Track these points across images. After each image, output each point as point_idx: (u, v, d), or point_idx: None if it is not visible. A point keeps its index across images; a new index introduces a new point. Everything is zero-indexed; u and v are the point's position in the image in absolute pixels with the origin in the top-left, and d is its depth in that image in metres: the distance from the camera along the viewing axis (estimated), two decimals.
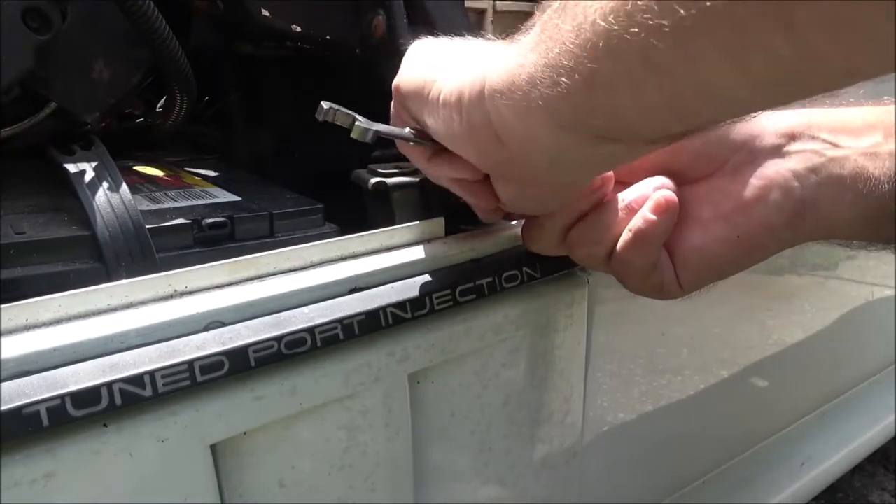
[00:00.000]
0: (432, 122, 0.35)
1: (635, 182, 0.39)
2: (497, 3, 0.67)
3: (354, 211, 0.48)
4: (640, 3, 0.21)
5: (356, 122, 0.34)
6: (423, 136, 0.37)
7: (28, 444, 0.28)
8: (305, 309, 0.36)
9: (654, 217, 0.36)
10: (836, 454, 1.05)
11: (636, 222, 0.37)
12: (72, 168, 0.43)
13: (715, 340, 0.72)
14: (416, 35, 0.49)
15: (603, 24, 0.23)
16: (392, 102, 0.39)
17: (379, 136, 0.35)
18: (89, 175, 0.43)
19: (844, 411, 1.06)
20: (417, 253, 0.42)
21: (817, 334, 0.88)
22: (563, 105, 0.27)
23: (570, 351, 0.50)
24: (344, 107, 0.34)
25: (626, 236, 0.37)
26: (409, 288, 0.40)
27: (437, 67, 0.35)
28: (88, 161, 0.44)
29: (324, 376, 0.36)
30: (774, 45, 0.20)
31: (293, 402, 0.36)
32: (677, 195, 0.37)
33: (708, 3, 0.20)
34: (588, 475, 0.57)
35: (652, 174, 0.39)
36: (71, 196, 0.42)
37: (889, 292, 1.00)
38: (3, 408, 0.27)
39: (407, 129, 0.37)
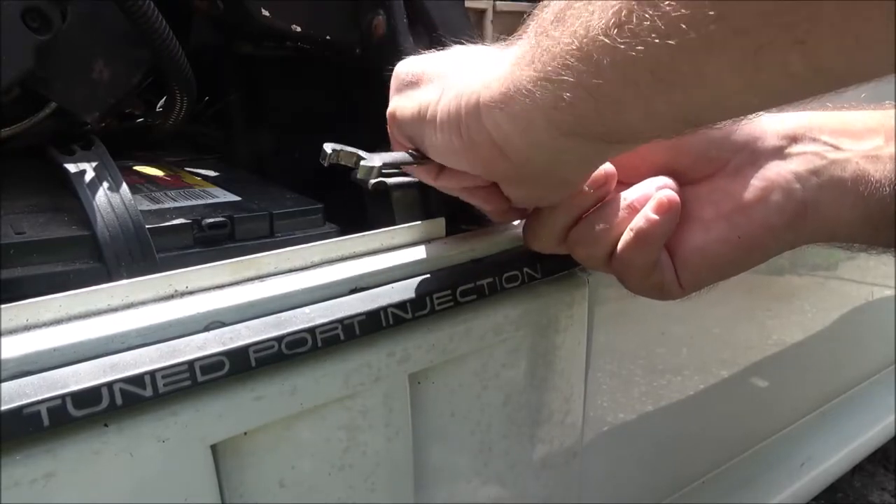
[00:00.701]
0: (432, 145, 0.35)
1: (637, 182, 0.39)
2: (497, 2, 0.67)
3: (354, 211, 0.49)
4: (645, 22, 0.21)
5: (361, 162, 0.34)
6: (421, 154, 0.37)
7: (28, 444, 0.28)
8: (306, 309, 0.36)
9: (655, 217, 0.36)
10: (836, 454, 1.05)
11: (638, 222, 0.37)
12: (72, 168, 0.43)
13: (715, 340, 0.72)
14: (415, 35, 0.49)
15: (607, 40, 0.22)
16: (388, 129, 0.39)
17: (384, 168, 0.35)
18: (89, 175, 0.43)
19: (844, 411, 1.06)
20: (418, 253, 0.42)
21: (817, 334, 0.88)
22: (567, 117, 0.27)
23: (570, 351, 0.50)
24: (345, 145, 0.34)
25: (627, 235, 0.37)
26: (409, 288, 0.40)
27: (428, 89, 0.35)
28: (88, 161, 0.44)
29: (324, 376, 0.36)
30: (788, 62, 0.20)
31: (293, 402, 0.36)
32: (679, 195, 0.37)
33: (713, 27, 0.19)
34: (588, 475, 0.57)
35: (654, 174, 0.39)
36: (71, 196, 0.42)
37: (889, 292, 1.00)
38: (4, 408, 0.27)
39: (409, 152, 0.37)
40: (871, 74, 0.20)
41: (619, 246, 0.38)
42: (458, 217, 0.47)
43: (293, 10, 0.52)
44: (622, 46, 0.22)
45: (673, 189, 0.37)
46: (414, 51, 0.48)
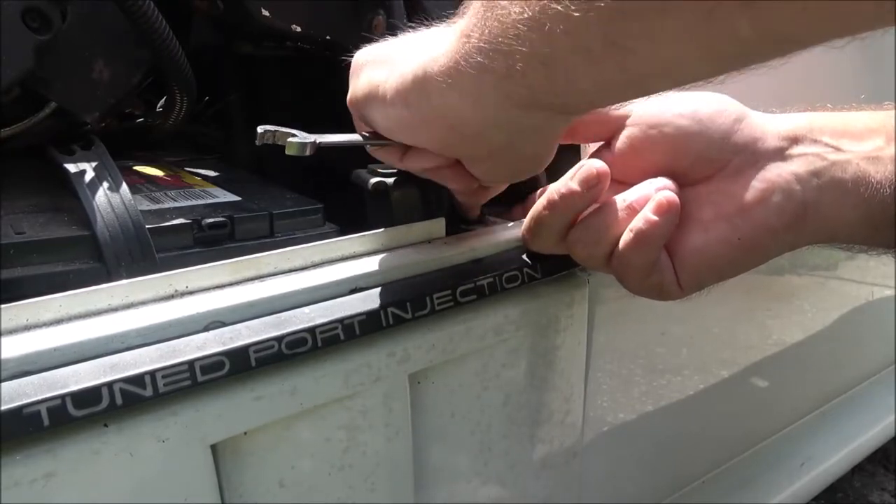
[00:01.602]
0: (385, 124, 0.36)
1: (636, 182, 0.39)
2: None
3: (354, 211, 0.48)
4: None
5: (290, 139, 0.34)
6: (380, 137, 0.37)
7: (28, 444, 0.28)
8: (306, 309, 0.36)
9: (655, 217, 0.36)
10: (836, 454, 1.05)
11: (637, 222, 0.37)
12: (72, 168, 0.43)
13: (715, 340, 0.72)
14: None
15: (559, 7, 0.23)
16: (353, 118, 0.40)
17: (323, 146, 0.35)
18: (89, 175, 0.43)
19: (844, 411, 1.06)
20: (418, 253, 0.42)
21: (817, 334, 0.88)
22: (520, 88, 0.27)
23: (570, 351, 0.50)
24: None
25: (626, 236, 0.37)
26: (409, 288, 0.40)
27: (380, 70, 0.35)
28: (88, 161, 0.44)
29: (324, 376, 0.36)
30: (738, 27, 0.20)
31: (293, 402, 0.36)
32: (678, 196, 0.37)
33: None
34: (588, 475, 0.57)
35: (653, 175, 0.39)
36: (71, 196, 0.42)
37: (889, 292, 1.00)
38: (4, 408, 0.27)
39: (361, 134, 0.38)
40: (821, 36, 0.20)
41: (619, 246, 0.38)
42: (459, 217, 0.47)
43: (293, 10, 0.52)
44: (576, 13, 0.22)
45: (672, 190, 0.37)
46: None
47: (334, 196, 0.50)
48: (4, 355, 0.29)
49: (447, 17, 0.50)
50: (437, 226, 0.45)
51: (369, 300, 0.38)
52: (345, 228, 0.47)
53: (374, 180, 0.45)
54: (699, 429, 0.76)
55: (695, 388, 0.71)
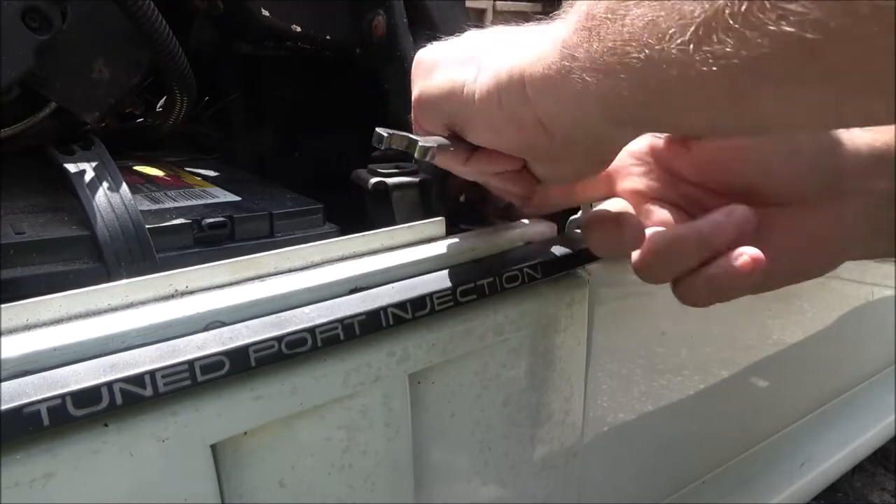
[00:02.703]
0: (468, 122, 0.35)
1: (706, 185, 0.38)
2: (497, 2, 0.67)
3: (354, 211, 0.49)
4: (728, 48, 0.20)
5: (419, 144, 0.33)
6: (456, 139, 0.37)
7: (28, 444, 0.28)
8: (306, 309, 0.36)
9: (738, 274, 0.33)
10: (836, 454, 1.05)
11: (718, 272, 0.34)
12: (72, 168, 0.43)
13: (715, 340, 0.72)
14: (415, 35, 0.49)
15: (681, 55, 0.22)
16: (412, 115, 0.39)
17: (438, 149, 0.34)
18: (89, 175, 0.43)
19: (844, 411, 1.06)
20: (418, 253, 0.42)
21: (817, 334, 0.88)
22: (621, 113, 0.27)
23: (570, 351, 0.50)
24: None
25: (702, 280, 0.35)
26: (409, 288, 0.40)
27: (460, 70, 0.34)
28: (88, 161, 0.44)
29: (324, 376, 0.36)
30: (874, 110, 0.20)
31: (293, 402, 0.36)
32: (754, 219, 0.35)
33: (809, 68, 0.19)
34: (588, 475, 0.57)
35: (728, 188, 0.37)
36: (71, 196, 0.42)
37: (889, 292, 1.00)
38: (3, 408, 0.27)
39: (438, 137, 0.37)
40: None
41: (695, 283, 0.35)
42: (458, 217, 0.48)
43: (293, 10, 0.52)
44: (696, 59, 0.21)
45: (756, 255, 0.34)
46: (414, 50, 0.48)
47: (334, 196, 0.50)
48: (4, 355, 0.29)
49: (449, 17, 0.50)
50: (437, 226, 0.45)
51: (369, 300, 0.38)
52: (345, 228, 0.47)
53: (374, 180, 0.45)
54: (699, 429, 0.76)
55: (695, 388, 0.71)
